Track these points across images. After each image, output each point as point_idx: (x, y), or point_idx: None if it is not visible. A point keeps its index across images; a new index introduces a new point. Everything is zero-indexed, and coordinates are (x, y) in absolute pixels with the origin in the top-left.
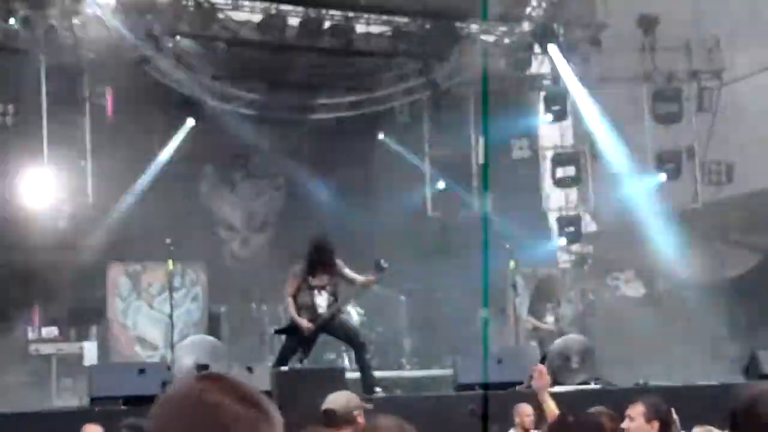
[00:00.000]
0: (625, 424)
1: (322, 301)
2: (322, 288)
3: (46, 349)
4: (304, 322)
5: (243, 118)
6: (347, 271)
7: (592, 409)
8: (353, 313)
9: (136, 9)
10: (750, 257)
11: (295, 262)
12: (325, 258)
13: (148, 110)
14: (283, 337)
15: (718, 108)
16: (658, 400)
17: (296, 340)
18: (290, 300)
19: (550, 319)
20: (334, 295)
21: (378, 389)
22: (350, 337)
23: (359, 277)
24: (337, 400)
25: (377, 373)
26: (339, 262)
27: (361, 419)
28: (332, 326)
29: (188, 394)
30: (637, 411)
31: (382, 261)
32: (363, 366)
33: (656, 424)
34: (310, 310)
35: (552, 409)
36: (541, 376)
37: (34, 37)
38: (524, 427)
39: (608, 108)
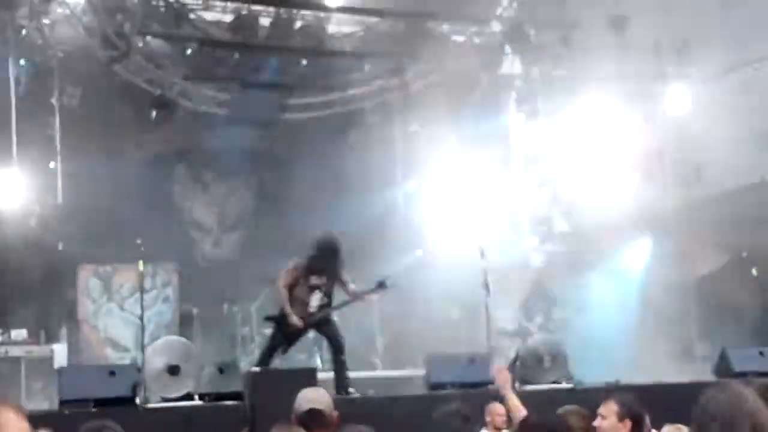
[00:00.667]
0: (597, 422)
1: (315, 300)
2: (318, 288)
3: (16, 351)
4: (296, 318)
5: (214, 118)
6: (346, 278)
7: (564, 408)
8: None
9: (105, 9)
10: (719, 256)
11: (297, 256)
12: (330, 259)
13: (118, 110)
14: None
15: (687, 108)
16: (630, 399)
17: (282, 333)
18: (285, 291)
19: (538, 319)
20: (328, 296)
21: (352, 390)
22: (331, 337)
23: (354, 288)
24: (321, 399)
25: (349, 374)
26: (341, 268)
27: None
28: (319, 323)
29: None
30: (609, 409)
31: (387, 280)
32: (339, 367)
33: (629, 423)
34: (303, 306)
35: (515, 405)
36: (500, 372)
37: (3, 37)
38: (496, 427)
39: (579, 108)
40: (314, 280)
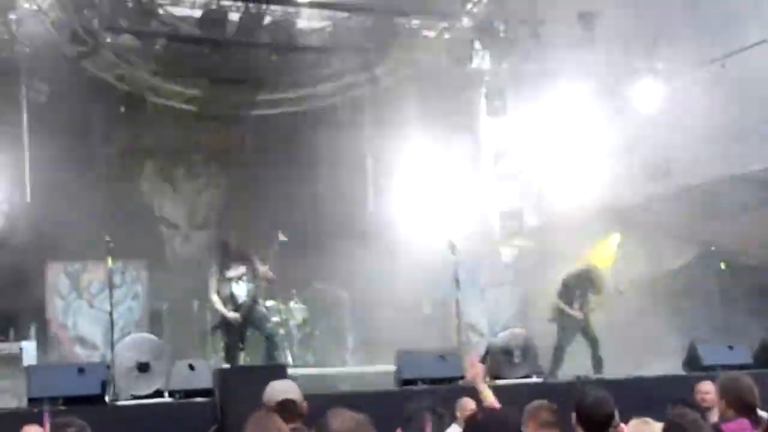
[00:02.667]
0: None
1: (239, 290)
2: (238, 278)
3: None
4: (230, 314)
5: (183, 114)
6: (258, 266)
7: (534, 403)
8: (295, 310)
9: (73, 4)
10: (688, 251)
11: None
12: (231, 253)
13: (86, 107)
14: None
15: (656, 103)
16: (585, 394)
17: (232, 333)
18: (214, 297)
19: (575, 306)
20: (253, 283)
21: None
22: (262, 329)
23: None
24: (292, 390)
25: (321, 370)
26: (256, 260)
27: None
28: (254, 318)
29: None
30: None
31: (280, 234)
32: (271, 358)
33: (574, 415)
34: (231, 300)
35: (488, 398)
36: (473, 365)
37: None
38: None
39: (548, 103)
40: (231, 273)
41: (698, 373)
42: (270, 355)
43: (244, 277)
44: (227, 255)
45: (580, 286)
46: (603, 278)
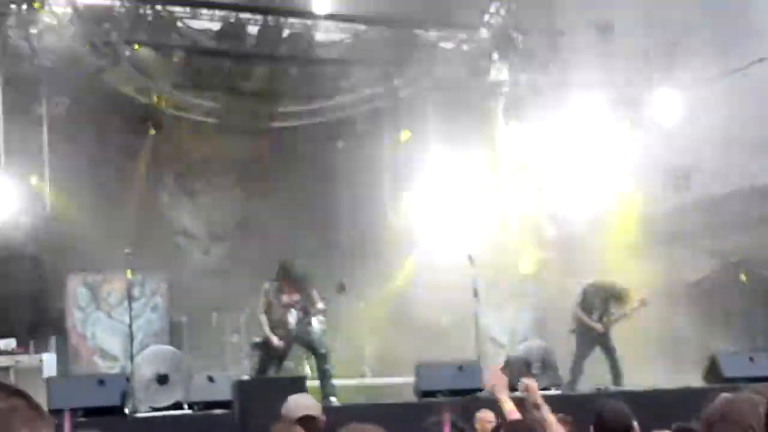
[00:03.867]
0: None
1: (292, 318)
2: (292, 306)
3: (5, 361)
4: (275, 339)
5: (202, 126)
6: (315, 297)
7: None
8: (314, 321)
9: (93, 18)
10: (708, 262)
11: (264, 279)
12: (291, 279)
13: (106, 120)
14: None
15: (676, 114)
16: (603, 404)
17: (270, 354)
18: (262, 317)
19: (594, 317)
20: (305, 312)
21: (333, 399)
22: (314, 348)
23: (320, 306)
24: (312, 405)
25: (339, 381)
26: (313, 291)
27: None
28: (300, 337)
29: None
30: None
31: (344, 282)
32: (322, 375)
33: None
34: (282, 326)
35: (510, 410)
36: (495, 375)
37: None
38: None
39: (566, 114)
40: (285, 299)
41: (719, 385)
42: (320, 368)
43: (298, 305)
44: (286, 280)
45: (599, 296)
46: (627, 291)
